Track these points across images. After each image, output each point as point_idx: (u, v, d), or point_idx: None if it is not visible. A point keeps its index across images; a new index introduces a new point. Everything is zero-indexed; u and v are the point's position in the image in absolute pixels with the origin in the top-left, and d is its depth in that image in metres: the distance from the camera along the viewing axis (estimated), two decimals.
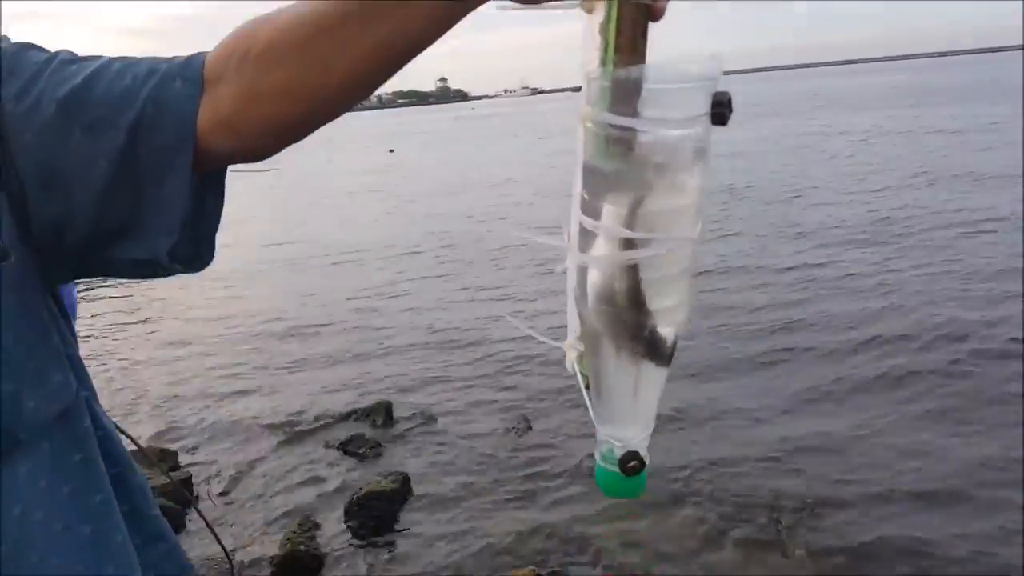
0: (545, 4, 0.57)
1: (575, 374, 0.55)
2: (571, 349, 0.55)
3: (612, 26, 0.51)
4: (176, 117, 0.63)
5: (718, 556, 3.16)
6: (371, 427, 4.77)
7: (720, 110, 0.48)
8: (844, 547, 3.12)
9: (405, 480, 3.87)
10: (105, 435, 0.77)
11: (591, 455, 0.55)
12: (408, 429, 4.75)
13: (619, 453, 0.52)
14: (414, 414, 4.91)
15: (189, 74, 0.64)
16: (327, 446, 4.57)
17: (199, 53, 0.67)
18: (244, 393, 5.52)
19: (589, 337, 0.52)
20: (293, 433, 4.82)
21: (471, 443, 4.44)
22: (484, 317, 6.79)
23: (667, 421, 4.19)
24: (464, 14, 0.62)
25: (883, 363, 4.91)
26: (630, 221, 0.47)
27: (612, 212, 0.48)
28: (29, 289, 0.66)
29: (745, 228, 9.21)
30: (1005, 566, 2.91)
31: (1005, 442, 3.81)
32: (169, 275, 0.72)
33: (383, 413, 4.89)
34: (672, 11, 0.53)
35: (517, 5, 0.57)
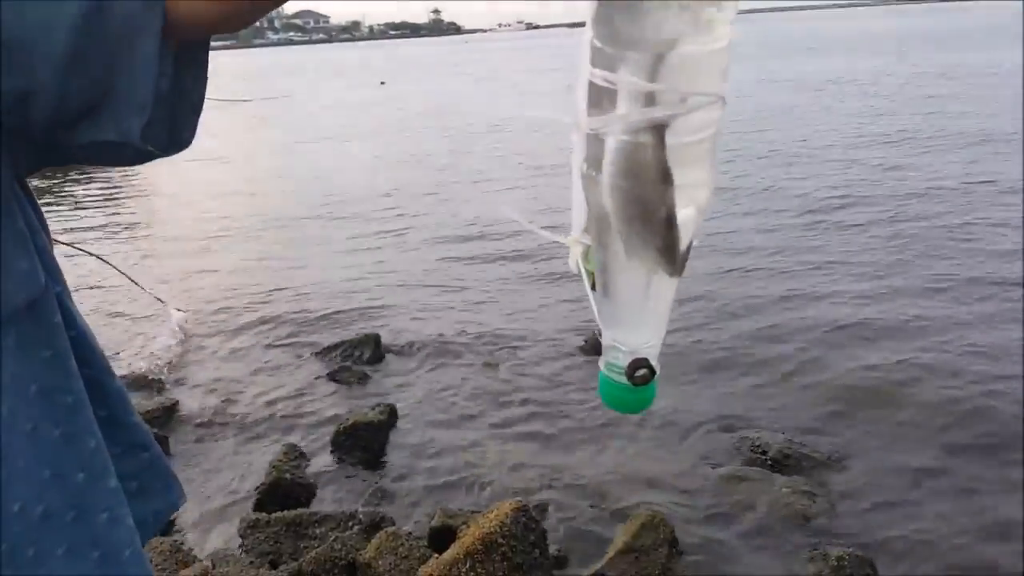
0: None
1: (579, 272, 0.49)
2: (576, 244, 0.49)
3: None
4: None
5: (714, 495, 3.16)
6: (359, 359, 4.75)
7: None
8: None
9: (392, 411, 3.86)
10: (78, 335, 0.74)
11: (590, 384, 0.50)
12: (397, 361, 4.73)
13: (626, 361, 0.47)
14: (404, 346, 4.89)
15: None
16: (315, 376, 4.55)
17: None
18: (231, 323, 5.48)
19: (598, 226, 0.45)
20: (280, 363, 4.80)
21: (461, 375, 4.43)
22: (475, 252, 6.73)
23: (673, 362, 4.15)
24: None
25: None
26: (656, 71, 0.40)
27: (634, 61, 0.40)
28: None
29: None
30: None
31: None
32: (144, 160, 0.67)
33: (372, 344, 4.85)
34: None
35: None
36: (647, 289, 0.45)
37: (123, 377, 4.49)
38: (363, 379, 4.48)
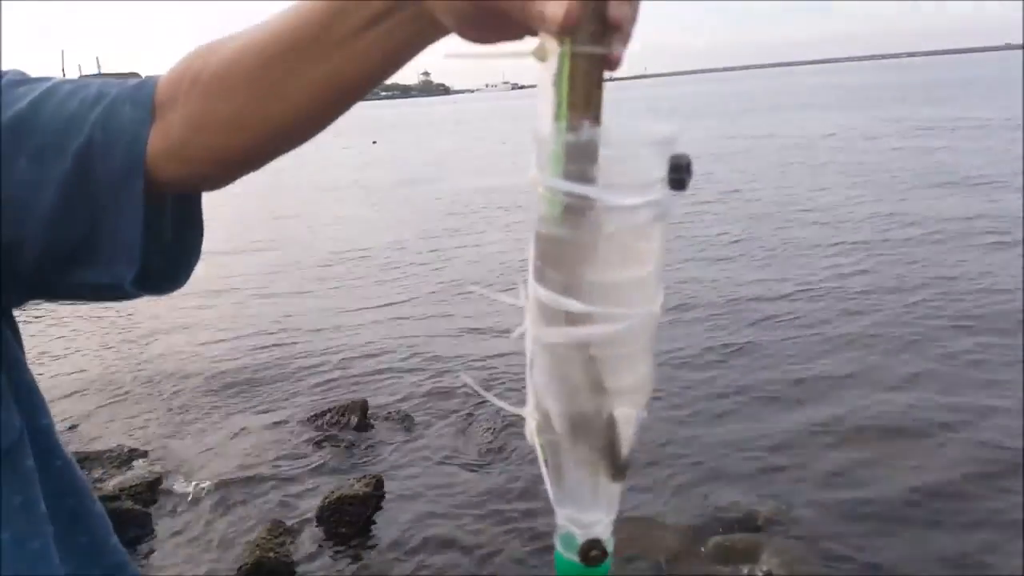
0: (495, 53, 0.54)
1: (534, 445, 0.51)
2: (531, 417, 0.50)
3: (565, 79, 0.47)
4: (125, 143, 0.61)
5: (709, 561, 3.15)
6: (346, 426, 4.73)
7: (679, 175, 0.45)
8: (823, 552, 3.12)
9: (378, 483, 3.84)
10: (64, 464, 0.75)
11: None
12: (385, 428, 4.71)
13: (580, 540, 0.48)
14: (390, 414, 4.87)
15: (140, 98, 0.62)
16: (301, 444, 4.52)
17: (152, 76, 0.64)
18: (216, 393, 5.45)
19: (543, 415, 0.48)
20: (266, 430, 4.77)
21: (449, 443, 4.41)
22: (462, 315, 6.75)
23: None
24: (418, 51, 0.59)
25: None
26: (579, 293, 0.44)
27: (561, 282, 0.45)
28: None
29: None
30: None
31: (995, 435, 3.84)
32: (134, 299, 0.70)
33: (358, 411, 4.83)
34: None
35: (467, 53, 0.54)
36: (594, 480, 0.47)
37: (108, 451, 4.47)
38: (350, 447, 4.45)
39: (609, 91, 0.50)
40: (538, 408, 0.49)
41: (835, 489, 3.59)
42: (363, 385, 5.37)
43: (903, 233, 8.20)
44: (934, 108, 24.30)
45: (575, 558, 0.48)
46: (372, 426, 4.75)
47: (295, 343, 6.34)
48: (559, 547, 0.50)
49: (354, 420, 4.77)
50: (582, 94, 0.47)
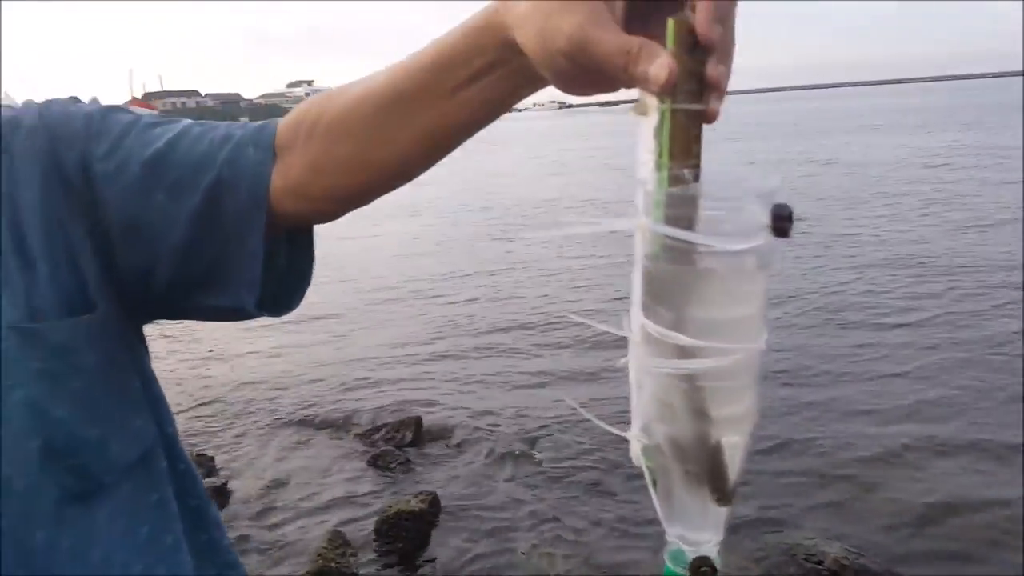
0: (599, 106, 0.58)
1: (641, 467, 0.54)
2: (636, 440, 0.53)
3: (666, 132, 0.51)
4: (250, 182, 0.68)
5: None
6: (401, 442, 4.80)
7: (781, 224, 0.48)
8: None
9: (434, 500, 3.90)
10: (187, 469, 0.82)
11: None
12: (439, 445, 4.77)
13: (689, 557, 0.51)
14: (445, 429, 4.93)
15: (262, 142, 0.69)
16: (357, 459, 4.61)
17: (272, 120, 0.72)
18: (276, 406, 5.59)
19: (652, 440, 0.51)
20: (324, 444, 4.88)
21: (503, 461, 4.45)
22: (520, 340, 6.78)
23: None
24: (518, 100, 0.65)
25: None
26: (686, 328, 0.47)
27: (669, 317, 0.49)
28: (114, 338, 0.72)
29: None
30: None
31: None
32: (253, 319, 0.76)
33: (413, 427, 4.90)
34: None
35: (570, 100, 0.59)
36: (703, 503, 0.50)
37: None
38: (405, 464, 4.52)
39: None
40: (645, 432, 0.53)
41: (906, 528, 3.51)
42: (417, 402, 5.45)
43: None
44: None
45: (685, 574, 0.51)
46: (426, 443, 4.81)
47: (350, 359, 6.46)
48: (669, 562, 0.52)
49: (408, 436, 4.84)
50: (682, 146, 0.51)
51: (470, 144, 0.70)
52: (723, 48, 0.49)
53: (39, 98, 0.73)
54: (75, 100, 0.74)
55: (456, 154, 0.71)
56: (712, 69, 0.49)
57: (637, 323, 0.53)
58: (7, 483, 0.64)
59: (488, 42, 0.59)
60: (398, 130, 0.65)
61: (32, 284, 0.67)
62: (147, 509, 0.74)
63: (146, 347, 0.80)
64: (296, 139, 0.68)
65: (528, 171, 15.44)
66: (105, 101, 0.76)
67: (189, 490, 0.82)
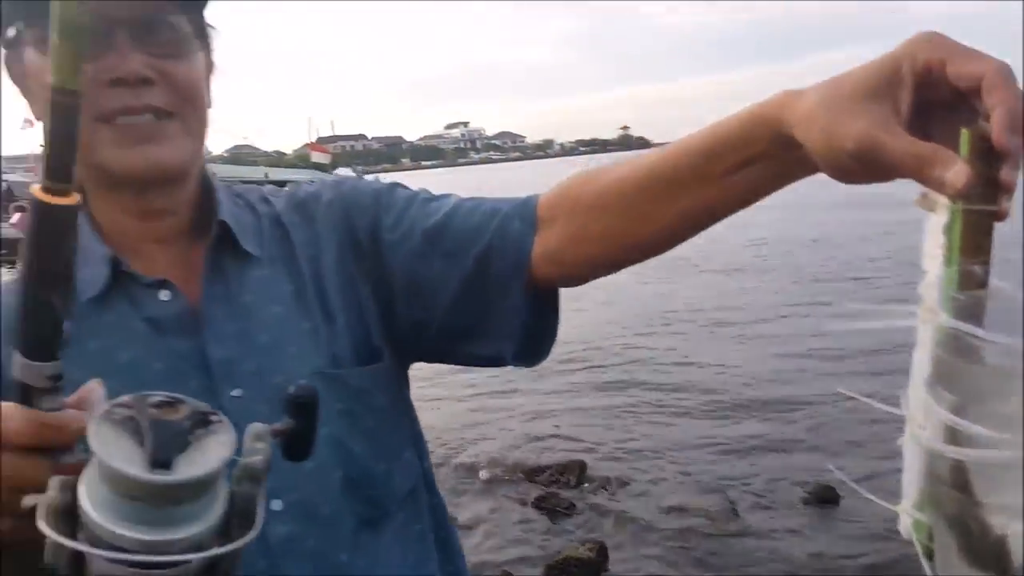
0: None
1: (912, 540, 0.55)
2: (907, 515, 0.54)
3: (957, 230, 0.52)
4: (514, 250, 0.77)
5: None
6: (566, 484, 4.78)
7: None
8: None
9: (602, 549, 3.85)
10: (439, 502, 0.89)
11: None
12: (604, 491, 4.70)
13: None
14: (609, 478, 4.86)
15: (526, 215, 0.78)
16: (523, 499, 4.64)
17: (532, 196, 0.81)
18: (445, 443, 5.70)
19: (933, 517, 0.52)
20: (490, 483, 4.94)
21: (673, 515, 4.32)
22: (710, 390, 6.58)
23: None
24: (784, 186, 0.68)
25: None
26: (969, 415, 0.48)
27: (953, 403, 0.49)
28: (395, 381, 0.83)
29: None
30: None
31: None
32: (508, 366, 0.85)
33: (576, 471, 4.87)
34: None
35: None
36: None
37: None
38: (569, 508, 4.49)
39: None
40: (919, 509, 0.53)
41: None
42: (581, 443, 5.42)
43: None
44: None
45: None
46: (590, 487, 4.77)
47: (519, 404, 6.52)
48: None
49: (572, 480, 4.82)
50: (973, 243, 0.52)
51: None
52: (1017, 153, 0.50)
53: (232, 142, 0.86)
54: (361, 176, 0.89)
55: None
56: (1006, 174, 0.49)
57: (917, 404, 0.53)
58: (314, 509, 0.72)
59: (763, 134, 0.63)
60: (659, 209, 0.70)
61: (333, 335, 0.78)
62: (413, 539, 0.82)
63: (409, 387, 0.90)
64: (557, 213, 0.77)
65: (785, 237, 14.58)
66: (290, 146, 0.88)
67: (440, 522, 0.88)
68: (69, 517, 0.44)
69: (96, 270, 0.73)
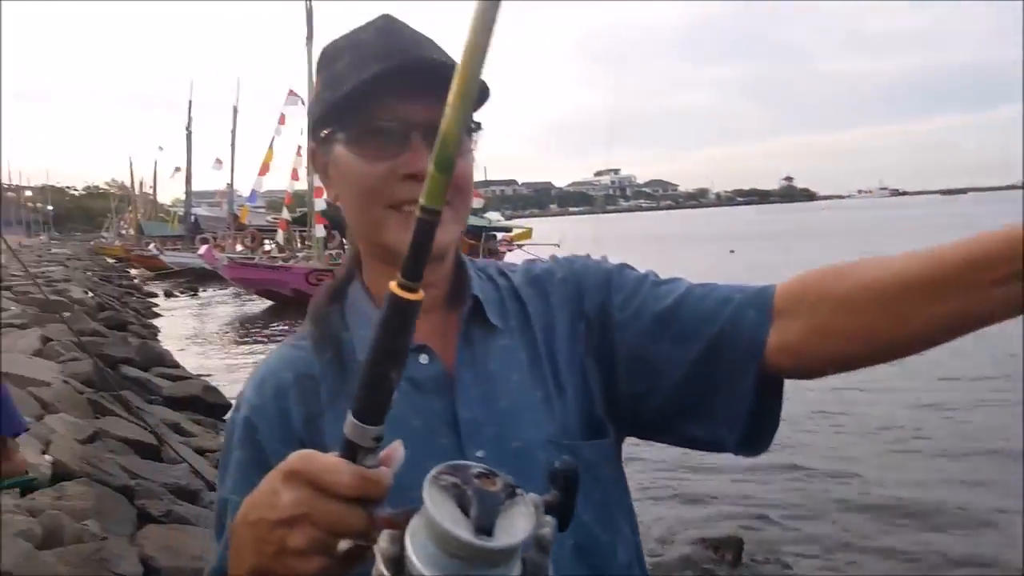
0: None
1: None
2: None
3: None
4: (748, 339, 0.78)
5: None
6: (720, 562, 4.48)
7: None
8: None
9: None
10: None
11: None
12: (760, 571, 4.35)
13: None
14: (767, 558, 4.48)
15: (761, 304, 0.79)
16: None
17: (768, 286, 0.81)
18: None
19: None
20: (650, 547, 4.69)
21: None
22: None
23: None
24: None
25: None
26: None
27: None
28: (618, 456, 0.88)
29: None
30: None
31: None
32: (726, 452, 0.84)
33: (733, 548, 4.57)
34: None
35: None
36: None
37: None
38: None
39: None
40: None
41: None
42: (739, 521, 5.06)
43: None
44: None
45: None
46: (747, 568, 4.42)
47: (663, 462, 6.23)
48: None
49: (729, 557, 4.51)
50: None
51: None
52: None
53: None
54: (589, 257, 0.94)
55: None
56: None
57: None
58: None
59: None
60: (916, 313, 0.68)
61: (563, 405, 0.84)
62: None
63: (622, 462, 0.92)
64: (799, 306, 0.76)
65: None
66: None
67: None
68: (394, 565, 0.51)
69: (369, 333, 0.74)
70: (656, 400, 0.83)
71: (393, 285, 0.53)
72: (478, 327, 0.87)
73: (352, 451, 0.56)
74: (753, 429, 0.81)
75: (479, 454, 0.79)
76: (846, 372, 0.77)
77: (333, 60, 0.85)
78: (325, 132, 0.84)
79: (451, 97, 0.49)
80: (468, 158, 0.85)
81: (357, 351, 0.84)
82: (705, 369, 0.80)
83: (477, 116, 0.85)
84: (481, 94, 0.82)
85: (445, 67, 0.80)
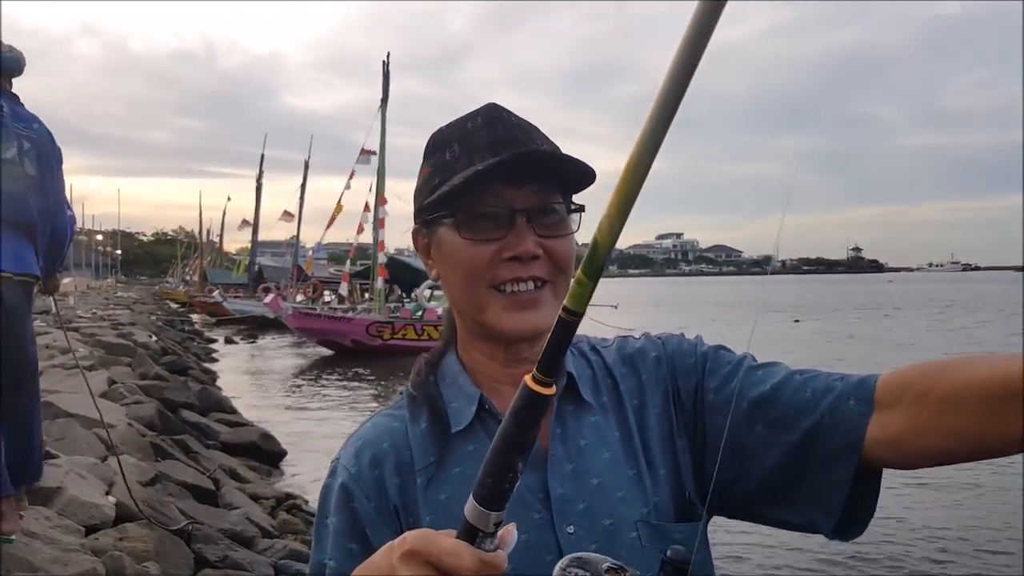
0: None
1: None
2: None
3: None
4: (847, 429, 0.78)
5: None
6: None
7: None
8: None
9: None
10: None
11: None
12: None
13: None
14: None
15: (862, 395, 0.78)
16: None
17: (869, 376, 0.80)
18: None
19: None
20: None
21: None
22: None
23: None
24: None
25: None
26: None
27: None
28: (704, 536, 0.85)
29: None
30: None
31: None
32: (820, 534, 0.84)
33: None
34: None
35: None
36: None
37: None
38: None
39: None
40: None
41: None
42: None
43: None
44: None
45: None
46: None
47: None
48: None
49: None
50: None
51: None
52: None
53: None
54: (683, 336, 0.95)
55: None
56: None
57: None
58: None
59: None
60: (1013, 417, 0.67)
61: (655, 484, 0.85)
62: None
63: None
64: (901, 400, 0.75)
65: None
66: None
67: None
68: None
69: (465, 406, 0.87)
70: (748, 485, 0.84)
71: (528, 379, 0.55)
72: (571, 404, 0.88)
73: (471, 534, 0.57)
74: (849, 515, 0.80)
75: (569, 530, 0.81)
76: (946, 464, 0.76)
77: (442, 148, 0.89)
78: (433, 215, 0.87)
79: (609, 209, 0.50)
80: (570, 239, 0.87)
81: (451, 422, 0.86)
82: (801, 458, 0.80)
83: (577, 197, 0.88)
84: (587, 177, 0.86)
85: (551, 157, 0.85)
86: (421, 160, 0.93)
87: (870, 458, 0.77)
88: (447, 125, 0.91)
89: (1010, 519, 6.12)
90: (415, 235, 0.93)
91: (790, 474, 0.81)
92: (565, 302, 0.53)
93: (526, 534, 0.57)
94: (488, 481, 0.56)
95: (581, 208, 0.88)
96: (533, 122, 0.90)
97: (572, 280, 0.83)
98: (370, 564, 0.63)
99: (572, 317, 0.53)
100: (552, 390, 0.54)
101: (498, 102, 0.91)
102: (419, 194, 0.91)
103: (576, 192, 0.88)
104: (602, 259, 0.52)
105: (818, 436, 0.79)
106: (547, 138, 0.90)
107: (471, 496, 0.57)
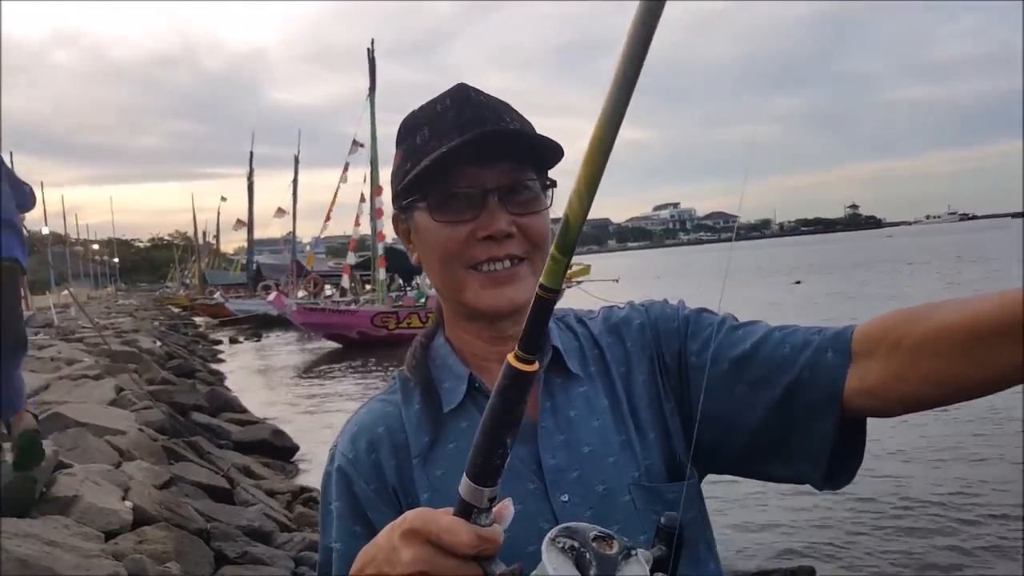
0: None
1: None
2: None
3: None
4: (827, 382, 0.79)
5: None
6: None
7: None
8: None
9: None
10: None
11: None
12: None
13: None
14: None
15: (839, 347, 0.79)
16: None
17: (846, 328, 0.81)
18: None
19: None
20: None
21: None
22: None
23: None
24: None
25: None
26: None
27: None
28: (699, 498, 0.90)
29: None
30: None
31: None
32: (816, 488, 0.86)
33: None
34: None
35: None
36: None
37: None
38: None
39: None
40: None
41: None
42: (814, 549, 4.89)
43: None
44: None
45: None
46: None
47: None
48: None
49: None
50: None
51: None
52: None
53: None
54: (666, 302, 0.96)
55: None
56: None
57: None
58: None
59: None
60: (996, 357, 0.68)
61: (645, 448, 0.87)
62: None
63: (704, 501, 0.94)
64: (877, 349, 0.76)
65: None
66: None
67: None
68: None
69: (455, 385, 0.89)
70: (735, 443, 0.85)
71: (511, 357, 0.56)
72: (558, 376, 0.90)
73: (467, 510, 0.59)
74: (837, 465, 0.82)
75: (564, 498, 0.83)
76: (923, 410, 0.77)
77: (412, 132, 0.89)
78: (407, 200, 0.89)
79: (578, 185, 0.51)
80: (544, 215, 0.88)
81: (444, 401, 0.89)
82: (784, 413, 0.81)
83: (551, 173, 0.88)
84: (556, 153, 0.86)
85: (519, 135, 0.86)
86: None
87: (852, 408, 0.78)
88: (418, 108, 0.91)
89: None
90: (395, 221, 0.94)
91: (775, 430, 0.82)
92: (541, 279, 0.54)
93: (521, 504, 0.58)
94: (479, 459, 0.57)
95: (554, 184, 0.88)
96: (526, 101, 0.90)
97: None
98: (374, 544, 0.65)
99: (549, 294, 0.54)
100: (535, 367, 0.56)
101: (489, 83, 0.92)
102: (394, 180, 0.92)
103: (550, 168, 0.89)
104: (575, 234, 0.52)
105: (798, 390, 0.80)
106: (520, 116, 0.90)
107: (464, 474, 0.58)
